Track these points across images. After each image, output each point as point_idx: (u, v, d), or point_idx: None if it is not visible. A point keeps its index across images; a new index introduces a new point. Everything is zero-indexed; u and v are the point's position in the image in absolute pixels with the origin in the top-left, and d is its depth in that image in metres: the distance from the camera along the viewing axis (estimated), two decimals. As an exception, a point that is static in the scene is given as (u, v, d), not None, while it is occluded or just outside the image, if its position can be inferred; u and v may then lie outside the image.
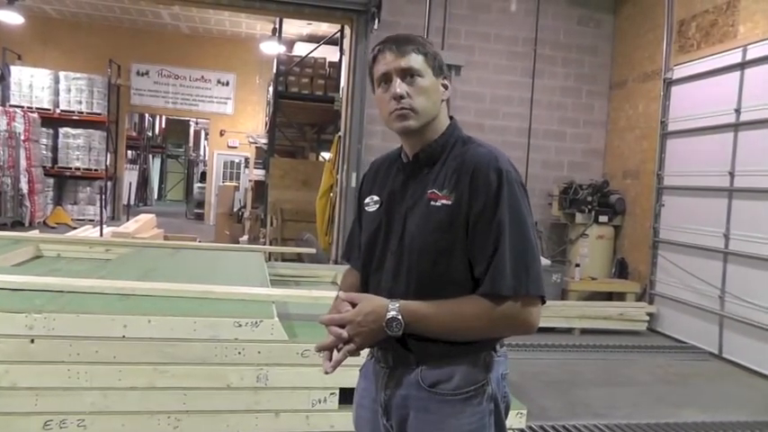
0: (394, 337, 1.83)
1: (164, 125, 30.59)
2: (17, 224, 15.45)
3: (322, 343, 1.87)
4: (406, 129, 1.93)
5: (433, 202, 1.88)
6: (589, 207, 9.38)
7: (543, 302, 1.85)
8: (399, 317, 1.80)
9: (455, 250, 1.84)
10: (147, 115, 25.79)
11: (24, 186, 16.14)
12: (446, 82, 1.99)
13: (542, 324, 7.87)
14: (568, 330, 8.16)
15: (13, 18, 15.07)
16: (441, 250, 1.85)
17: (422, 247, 1.88)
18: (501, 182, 1.82)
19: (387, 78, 1.92)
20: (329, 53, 12.90)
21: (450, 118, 2.04)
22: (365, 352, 2.03)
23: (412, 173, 1.99)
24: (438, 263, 1.86)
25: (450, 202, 1.85)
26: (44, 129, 17.82)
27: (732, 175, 7.40)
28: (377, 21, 8.89)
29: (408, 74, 1.90)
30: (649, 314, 8.46)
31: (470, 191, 1.84)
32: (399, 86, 1.90)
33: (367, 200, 2.09)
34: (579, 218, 9.46)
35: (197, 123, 29.27)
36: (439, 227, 1.86)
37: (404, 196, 1.98)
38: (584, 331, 8.15)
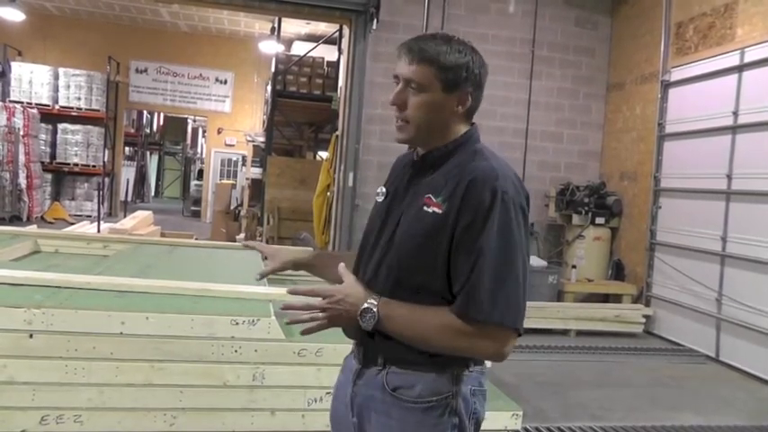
0: (366, 332, 1.83)
1: (161, 122, 30.56)
2: (15, 219, 15.48)
3: (292, 303, 1.88)
4: (399, 141, 1.93)
5: (425, 207, 1.83)
6: (586, 208, 9.39)
7: (519, 335, 1.79)
8: (375, 310, 1.79)
9: (437, 261, 1.79)
10: (145, 112, 25.78)
11: (23, 181, 16.16)
12: (465, 94, 1.88)
13: (539, 325, 8.00)
14: (564, 332, 8.17)
15: (14, 15, 15.13)
16: (422, 257, 1.81)
17: (404, 250, 1.84)
18: (494, 201, 1.75)
19: (397, 80, 1.89)
20: (327, 53, 12.93)
21: (472, 125, 1.97)
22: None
23: (417, 172, 1.95)
24: (417, 269, 1.82)
25: (440, 211, 1.80)
26: (43, 124, 17.89)
27: (729, 177, 7.41)
28: (375, 21, 8.89)
29: (411, 85, 1.85)
30: (646, 316, 8.47)
31: (461, 205, 1.77)
32: (398, 95, 1.87)
33: (378, 190, 2.07)
34: (576, 219, 9.47)
35: (195, 121, 29.24)
36: (425, 233, 1.81)
37: (405, 194, 1.94)
38: (581, 333, 8.16)
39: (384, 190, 2.06)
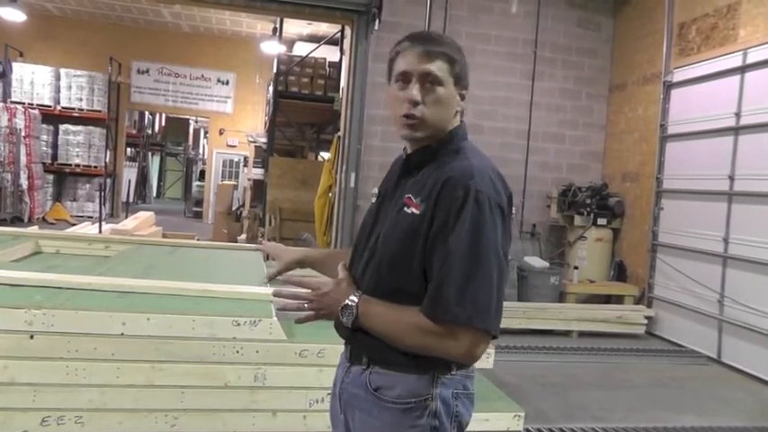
0: (350, 330, 1.87)
1: (163, 123, 30.59)
2: (16, 220, 15.48)
3: (281, 291, 1.93)
4: (412, 138, 1.92)
5: (405, 208, 1.84)
6: (588, 209, 9.38)
7: (494, 337, 1.78)
8: (354, 306, 1.83)
9: (413, 262, 1.80)
10: (146, 113, 25.79)
11: (24, 182, 16.17)
12: (464, 92, 1.93)
13: (540, 326, 7.96)
14: (566, 333, 8.17)
15: (15, 15, 15.12)
16: (401, 259, 1.82)
17: (385, 252, 1.86)
18: (466, 200, 1.74)
19: (406, 78, 1.87)
20: (329, 53, 12.93)
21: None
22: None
23: (404, 173, 1.97)
24: (396, 271, 1.83)
25: (418, 212, 1.81)
26: (44, 125, 17.88)
27: (732, 178, 7.40)
28: (377, 21, 8.89)
29: (428, 80, 1.84)
30: (648, 317, 8.46)
31: (435, 204, 1.78)
32: (418, 92, 1.84)
33: (374, 190, 2.11)
34: (578, 220, 9.47)
35: (196, 122, 29.28)
36: (403, 235, 1.82)
37: (393, 195, 1.96)
38: (582, 334, 8.15)
39: (378, 191, 2.09)
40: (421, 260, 1.79)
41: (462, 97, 1.93)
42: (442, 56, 1.85)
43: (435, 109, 1.86)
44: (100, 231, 9.49)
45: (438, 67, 1.84)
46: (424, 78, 1.85)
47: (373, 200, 2.08)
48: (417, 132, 1.89)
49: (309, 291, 1.89)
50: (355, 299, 1.84)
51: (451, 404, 1.87)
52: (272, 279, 2.39)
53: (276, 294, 1.95)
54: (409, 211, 1.83)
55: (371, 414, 1.88)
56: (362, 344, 1.90)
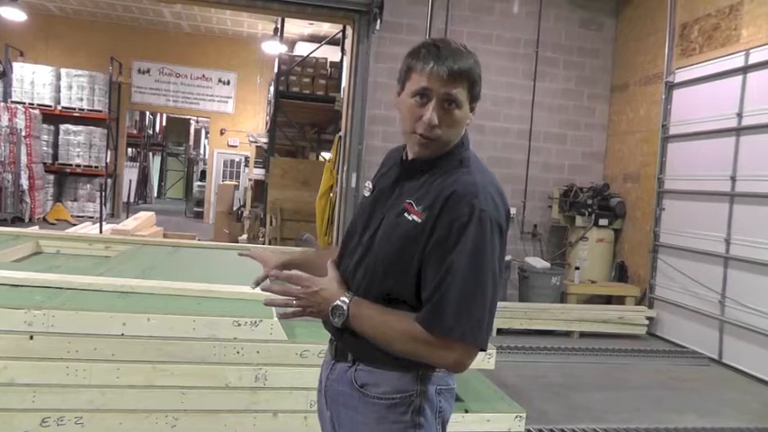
0: (336, 328, 1.88)
1: (164, 123, 30.58)
2: (17, 220, 15.50)
3: (271, 286, 1.94)
4: (422, 157, 1.90)
5: (405, 214, 1.84)
6: (589, 210, 9.37)
7: (482, 350, 1.81)
8: (345, 307, 1.83)
9: (409, 269, 1.81)
10: (147, 113, 25.79)
11: (25, 182, 16.17)
12: (475, 105, 1.92)
13: (542, 327, 7.97)
14: (567, 333, 8.15)
15: (16, 15, 15.12)
16: (396, 263, 1.83)
17: (381, 254, 1.86)
18: (471, 218, 1.75)
19: (425, 94, 1.83)
20: (331, 53, 12.92)
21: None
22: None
23: (403, 174, 1.95)
24: (390, 274, 1.84)
25: (419, 220, 1.80)
26: (45, 125, 17.86)
27: (734, 179, 7.38)
28: (379, 21, 8.88)
29: (448, 101, 1.82)
30: (649, 318, 8.45)
31: (438, 217, 1.78)
32: (436, 114, 1.82)
33: (367, 183, 2.08)
34: (579, 221, 9.45)
35: (197, 122, 29.27)
36: (401, 240, 1.82)
37: (390, 194, 1.94)
38: (584, 335, 8.13)
39: (371, 186, 2.07)
40: (416, 268, 1.81)
41: (473, 110, 1.92)
42: (465, 78, 1.84)
43: (450, 130, 1.86)
44: (100, 231, 9.50)
45: (459, 92, 1.83)
46: (444, 99, 1.82)
47: (366, 193, 2.06)
48: (430, 152, 1.88)
49: (299, 287, 1.89)
50: (346, 300, 1.85)
51: (435, 400, 1.90)
52: (258, 284, 2.38)
53: (266, 289, 1.95)
54: (410, 217, 1.83)
55: (357, 410, 1.90)
56: (348, 341, 1.91)
